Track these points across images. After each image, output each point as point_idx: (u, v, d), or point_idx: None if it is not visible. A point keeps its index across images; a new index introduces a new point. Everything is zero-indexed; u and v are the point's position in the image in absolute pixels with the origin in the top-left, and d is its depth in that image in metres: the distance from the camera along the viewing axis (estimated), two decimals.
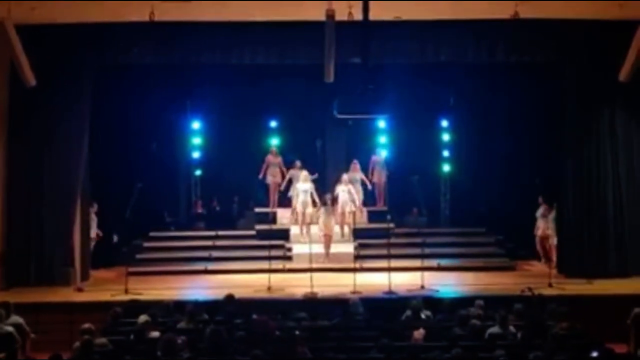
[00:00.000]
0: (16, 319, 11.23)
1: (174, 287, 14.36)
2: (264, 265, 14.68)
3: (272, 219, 17.28)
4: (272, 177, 17.76)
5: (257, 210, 17.87)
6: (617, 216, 14.86)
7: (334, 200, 15.85)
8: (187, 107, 18.26)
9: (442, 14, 13.62)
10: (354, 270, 14.52)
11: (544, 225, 15.94)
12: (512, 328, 10.23)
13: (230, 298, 11.73)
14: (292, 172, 17.43)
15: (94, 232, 15.83)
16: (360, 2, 11.87)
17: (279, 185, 17.71)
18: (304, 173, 16.80)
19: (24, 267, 14.38)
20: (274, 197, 17.81)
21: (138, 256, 16.04)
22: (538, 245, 16.17)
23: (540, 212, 16.11)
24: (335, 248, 15.99)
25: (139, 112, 16.83)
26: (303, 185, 16.59)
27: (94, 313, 11.98)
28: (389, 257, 14.48)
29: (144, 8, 12.75)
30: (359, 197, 16.73)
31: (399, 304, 11.85)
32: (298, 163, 17.40)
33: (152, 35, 13.92)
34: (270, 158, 17.84)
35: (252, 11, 13.21)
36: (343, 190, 16.38)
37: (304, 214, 16.43)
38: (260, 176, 17.75)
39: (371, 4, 11.87)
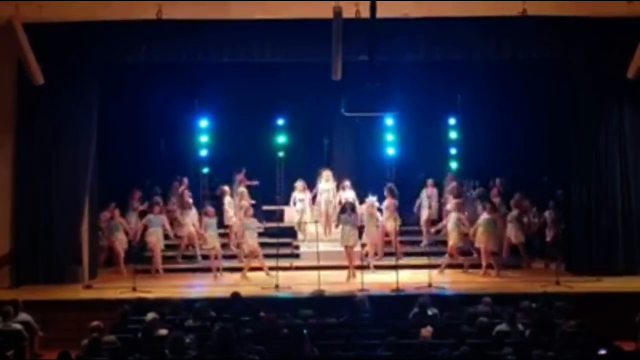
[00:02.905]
0: (24, 316, 11.33)
1: (182, 285, 14.40)
2: (272, 263, 14.70)
3: (280, 216, 17.27)
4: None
5: (265, 207, 17.85)
6: (626, 214, 14.81)
7: (353, 208, 15.21)
8: (194, 105, 18.22)
9: (449, 12, 13.59)
10: (362, 267, 14.54)
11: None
12: (520, 326, 10.24)
13: (236, 296, 11.76)
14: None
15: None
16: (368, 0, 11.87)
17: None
18: (326, 172, 16.73)
19: (33, 265, 14.42)
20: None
21: (146, 254, 16.03)
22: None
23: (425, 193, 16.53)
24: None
25: (147, 110, 16.86)
26: (325, 185, 16.55)
27: (102, 311, 12.05)
28: (396, 254, 14.49)
29: (151, 6, 12.77)
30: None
31: (407, 302, 11.87)
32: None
33: (159, 33, 13.90)
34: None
35: (260, 9, 13.21)
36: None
37: (327, 213, 16.32)
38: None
39: (378, 1, 11.87)
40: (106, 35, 14.24)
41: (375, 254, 15.49)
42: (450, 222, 15.26)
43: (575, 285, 13.56)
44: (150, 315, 10.55)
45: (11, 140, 14.61)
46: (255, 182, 17.24)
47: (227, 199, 16.69)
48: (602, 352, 8.85)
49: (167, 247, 16.03)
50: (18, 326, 10.91)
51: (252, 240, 15.01)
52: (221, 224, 16.26)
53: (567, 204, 15.36)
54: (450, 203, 15.87)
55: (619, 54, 14.17)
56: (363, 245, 15.22)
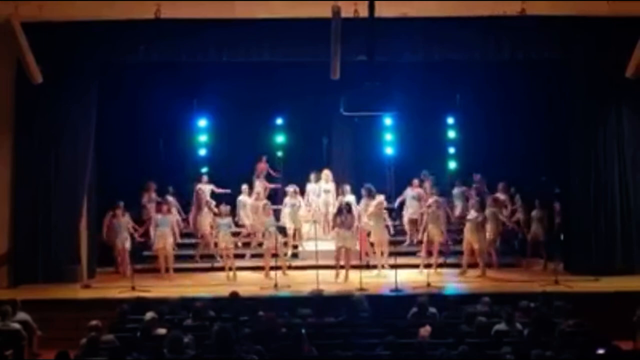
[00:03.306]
0: (23, 315, 11.32)
1: (181, 285, 14.39)
2: (271, 262, 14.70)
3: (278, 216, 17.25)
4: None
5: None
6: (624, 213, 14.82)
7: (349, 210, 14.95)
8: (193, 105, 18.25)
9: (448, 11, 13.59)
10: (360, 267, 14.53)
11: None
12: (518, 325, 10.23)
13: (234, 295, 11.75)
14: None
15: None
16: None
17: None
18: (326, 172, 16.72)
19: (32, 264, 14.41)
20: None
21: (145, 253, 16.04)
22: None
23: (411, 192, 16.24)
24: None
25: (146, 110, 16.83)
26: (325, 185, 16.54)
27: (100, 310, 12.05)
28: (395, 254, 14.50)
29: (150, 6, 12.77)
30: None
31: (405, 301, 11.87)
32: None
33: (158, 33, 13.90)
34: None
35: (258, 8, 13.21)
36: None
37: (326, 214, 16.30)
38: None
39: (377, 1, 11.87)
40: (105, 35, 14.23)
41: (382, 253, 15.31)
42: (430, 220, 15.15)
43: (574, 285, 13.55)
44: (149, 315, 10.55)
45: (10, 140, 14.61)
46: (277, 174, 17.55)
47: (240, 197, 16.67)
48: (601, 351, 8.85)
49: (180, 245, 16.05)
50: (16, 326, 10.91)
51: (272, 239, 14.86)
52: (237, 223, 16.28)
53: (565, 204, 15.36)
54: (429, 201, 15.74)
55: (618, 54, 14.18)
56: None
